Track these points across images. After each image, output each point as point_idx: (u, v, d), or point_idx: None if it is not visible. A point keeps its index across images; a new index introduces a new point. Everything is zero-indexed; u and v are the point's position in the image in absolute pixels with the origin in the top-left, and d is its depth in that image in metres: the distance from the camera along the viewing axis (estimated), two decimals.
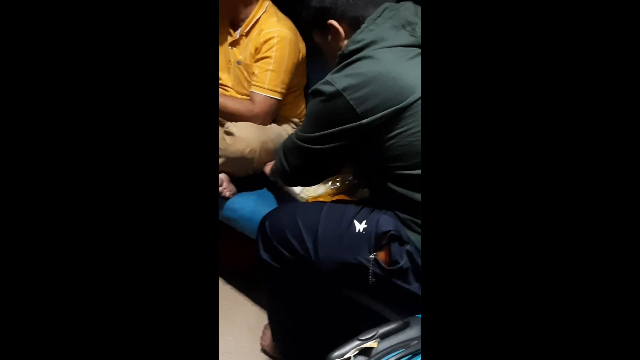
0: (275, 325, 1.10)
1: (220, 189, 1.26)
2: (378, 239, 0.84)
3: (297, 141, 0.90)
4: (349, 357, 0.62)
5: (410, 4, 0.87)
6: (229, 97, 1.34)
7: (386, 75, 0.78)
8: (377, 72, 0.79)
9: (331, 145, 0.85)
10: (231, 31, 1.35)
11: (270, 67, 1.25)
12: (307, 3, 0.93)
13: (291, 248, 0.91)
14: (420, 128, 0.78)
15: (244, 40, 1.32)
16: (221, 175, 1.27)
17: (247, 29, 1.31)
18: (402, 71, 0.79)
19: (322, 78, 0.85)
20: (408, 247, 0.82)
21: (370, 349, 0.63)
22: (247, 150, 1.21)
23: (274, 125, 1.34)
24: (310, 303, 1.01)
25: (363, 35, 0.83)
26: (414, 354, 0.62)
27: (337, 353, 0.63)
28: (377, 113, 0.79)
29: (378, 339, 0.64)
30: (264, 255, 0.96)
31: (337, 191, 1.14)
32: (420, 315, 0.71)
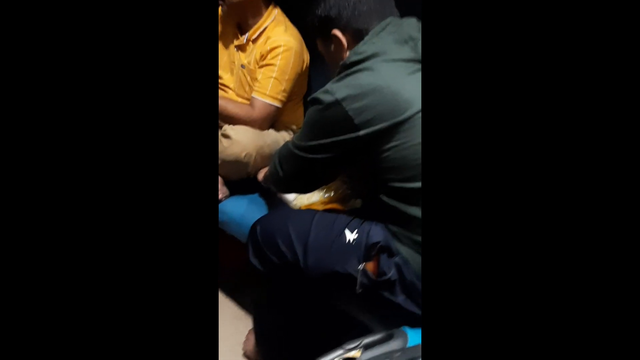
0: (260, 330, 1.09)
1: None
2: (368, 250, 0.84)
3: (293, 149, 0.90)
4: None
5: (413, 20, 0.89)
6: (229, 100, 1.35)
7: (386, 88, 0.79)
8: (376, 84, 0.79)
9: (327, 155, 0.86)
10: (238, 34, 1.36)
11: (274, 75, 1.26)
12: (312, 10, 0.93)
13: (281, 254, 0.91)
14: (415, 142, 0.79)
15: (250, 46, 1.33)
16: None
17: (254, 36, 1.32)
18: (402, 85, 0.79)
19: (323, 86, 0.85)
20: (397, 259, 0.82)
21: (353, 358, 0.64)
22: (243, 154, 1.21)
23: (271, 130, 1.35)
24: (296, 310, 1.01)
25: (366, 47, 0.84)
26: None
27: None
28: (375, 125, 0.79)
29: (361, 349, 0.65)
30: (254, 261, 0.96)
31: (331, 200, 1.15)
32: (404, 328, 0.71)
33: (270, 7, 1.32)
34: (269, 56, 1.27)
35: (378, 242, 0.83)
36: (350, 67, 0.83)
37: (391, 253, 0.83)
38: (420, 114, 0.79)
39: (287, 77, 1.27)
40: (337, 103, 0.81)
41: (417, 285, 0.82)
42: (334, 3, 0.89)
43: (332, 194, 1.14)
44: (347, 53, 0.88)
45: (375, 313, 0.91)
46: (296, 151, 0.90)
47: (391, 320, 0.82)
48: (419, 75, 0.81)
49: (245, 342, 1.20)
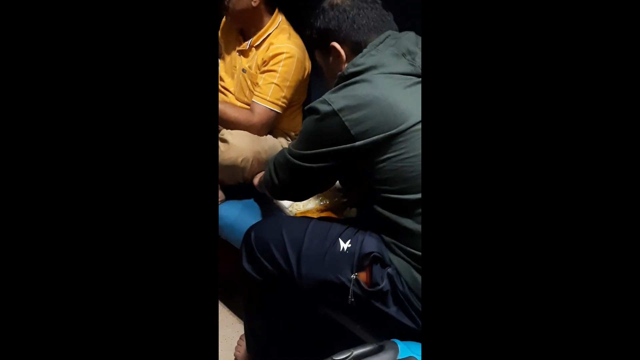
0: (251, 337, 1.09)
1: None
2: (361, 260, 0.84)
3: (289, 157, 0.91)
4: None
5: (412, 34, 0.89)
6: (229, 104, 1.35)
7: (382, 100, 0.80)
8: (374, 96, 0.80)
9: (322, 164, 0.86)
10: (241, 39, 1.37)
11: (275, 81, 1.27)
12: (311, 23, 0.94)
13: (274, 262, 0.91)
14: (410, 154, 0.80)
15: (252, 51, 1.34)
16: None
17: (257, 42, 1.33)
18: (398, 98, 0.80)
19: (323, 95, 0.86)
20: (389, 270, 0.83)
21: None
22: (239, 159, 1.21)
23: (269, 136, 1.35)
24: (288, 318, 1.01)
25: (364, 59, 0.84)
26: None
27: None
28: (371, 136, 0.80)
29: None
30: (247, 267, 0.96)
31: (326, 207, 1.15)
32: (396, 340, 0.72)
33: (274, 14, 1.33)
34: (271, 62, 1.28)
35: (371, 252, 0.84)
36: (348, 79, 0.84)
37: (384, 263, 0.83)
38: (415, 127, 0.79)
39: (288, 84, 1.28)
40: (334, 113, 0.81)
41: (409, 296, 0.82)
42: (334, 16, 0.90)
43: (327, 202, 1.15)
44: (345, 65, 0.89)
45: (366, 323, 0.91)
46: (292, 159, 0.90)
47: (382, 332, 0.82)
48: (415, 88, 0.82)
49: (237, 347, 1.20)
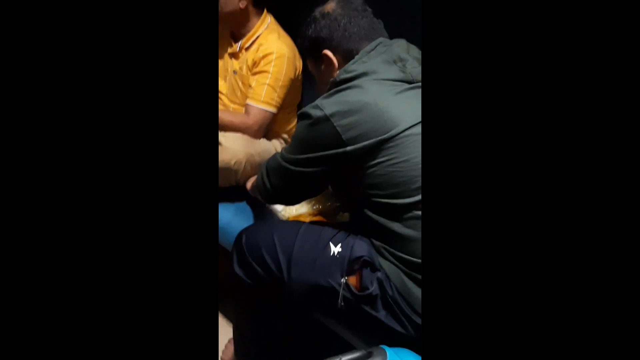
0: (240, 340, 1.09)
1: None
2: (351, 264, 0.84)
3: (281, 161, 0.91)
4: None
5: (402, 41, 0.90)
6: (223, 110, 1.36)
7: (373, 106, 0.80)
8: (365, 102, 0.81)
9: (314, 169, 0.87)
10: (232, 42, 1.37)
11: (267, 82, 1.27)
12: (303, 31, 0.95)
13: (265, 265, 0.91)
14: (400, 160, 0.80)
15: (243, 53, 1.34)
16: None
17: (247, 44, 1.33)
18: (389, 104, 0.81)
19: (316, 98, 0.87)
20: (379, 274, 0.83)
21: None
22: (232, 162, 1.21)
23: (263, 139, 1.35)
24: (278, 323, 1.01)
25: (355, 66, 0.85)
26: None
27: None
28: (362, 142, 0.80)
29: None
30: (238, 270, 0.96)
31: (319, 211, 1.15)
32: (384, 346, 0.72)
33: (263, 15, 1.33)
34: (262, 63, 1.28)
35: (361, 257, 0.84)
36: (340, 85, 0.85)
37: (374, 268, 0.84)
38: (405, 133, 0.80)
39: (280, 84, 1.28)
40: (326, 118, 0.82)
41: (398, 300, 0.82)
42: (325, 24, 0.91)
43: (320, 206, 1.15)
44: (338, 72, 0.89)
45: (356, 328, 0.91)
46: (284, 164, 0.91)
47: (372, 337, 0.83)
48: (406, 94, 0.83)
49: (224, 350, 1.20)
